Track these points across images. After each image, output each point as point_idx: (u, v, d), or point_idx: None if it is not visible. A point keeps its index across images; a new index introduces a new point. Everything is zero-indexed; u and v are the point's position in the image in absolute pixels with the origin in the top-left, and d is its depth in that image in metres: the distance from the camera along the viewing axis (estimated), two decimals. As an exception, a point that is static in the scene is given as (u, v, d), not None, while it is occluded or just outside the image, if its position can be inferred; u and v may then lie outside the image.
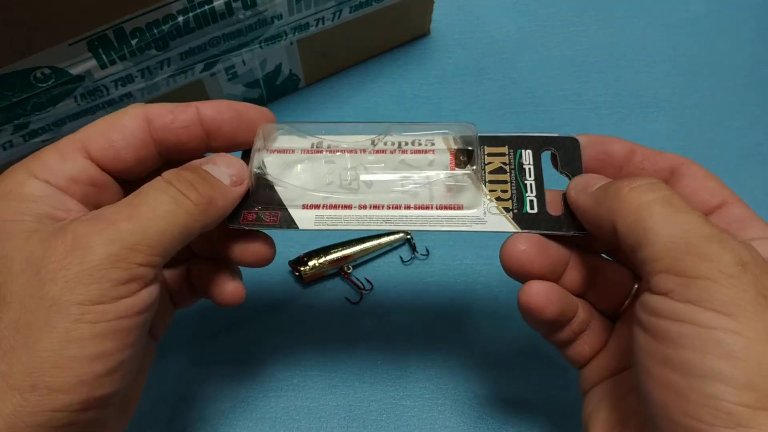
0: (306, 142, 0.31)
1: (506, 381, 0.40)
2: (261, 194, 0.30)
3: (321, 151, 0.31)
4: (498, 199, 0.30)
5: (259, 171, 0.30)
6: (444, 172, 0.30)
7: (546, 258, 0.29)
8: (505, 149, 0.31)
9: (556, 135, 0.31)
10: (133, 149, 0.28)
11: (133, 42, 0.34)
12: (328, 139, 0.31)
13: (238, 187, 0.28)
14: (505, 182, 0.30)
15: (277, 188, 0.30)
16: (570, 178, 0.30)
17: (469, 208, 0.30)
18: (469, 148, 0.30)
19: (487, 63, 0.48)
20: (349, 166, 0.30)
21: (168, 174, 0.26)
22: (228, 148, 0.30)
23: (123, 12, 0.32)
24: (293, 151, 0.31)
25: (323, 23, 0.41)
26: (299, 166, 0.30)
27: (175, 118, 0.28)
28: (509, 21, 0.49)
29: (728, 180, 0.29)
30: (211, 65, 0.40)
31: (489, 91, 0.48)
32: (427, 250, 0.43)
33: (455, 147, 0.31)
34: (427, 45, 0.49)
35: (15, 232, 0.24)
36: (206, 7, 0.35)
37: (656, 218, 0.23)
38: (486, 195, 0.30)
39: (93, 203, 0.27)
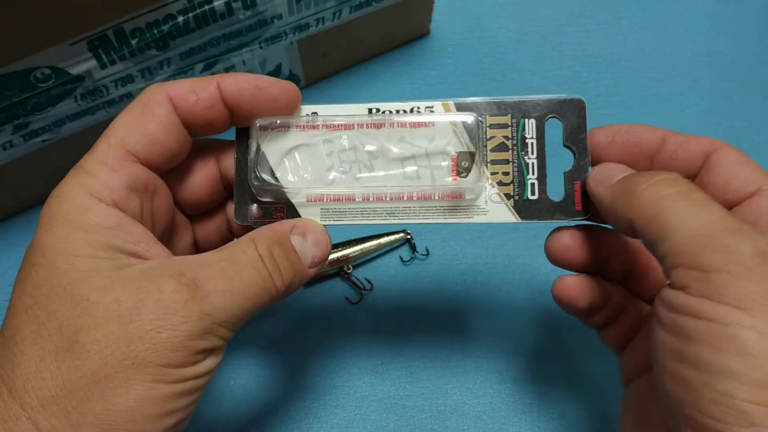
0: (300, 117, 0.30)
1: (506, 381, 0.40)
2: (266, 191, 0.30)
3: (317, 127, 0.30)
4: (500, 183, 0.30)
5: (264, 179, 0.29)
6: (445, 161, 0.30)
7: (588, 251, 0.29)
8: (507, 119, 0.30)
9: (563, 97, 0.30)
10: (172, 136, 0.27)
11: (133, 42, 0.34)
12: (323, 112, 0.30)
13: (314, 268, 0.29)
14: (507, 162, 0.30)
15: (282, 181, 0.30)
16: (574, 154, 0.29)
17: (471, 197, 0.29)
18: (470, 150, 0.29)
19: (487, 63, 0.48)
20: (347, 146, 0.30)
21: (262, 246, 0.26)
22: (247, 123, 0.29)
23: (123, 12, 0.32)
24: (288, 127, 0.30)
25: (323, 23, 0.41)
26: (297, 153, 0.30)
27: (199, 98, 0.27)
28: (509, 21, 0.49)
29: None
30: (211, 65, 0.40)
31: (489, 91, 0.48)
32: (427, 250, 0.43)
33: (457, 121, 0.30)
34: (427, 45, 0.49)
35: (92, 271, 0.24)
36: (206, 7, 0.35)
37: (674, 212, 0.23)
38: (488, 179, 0.30)
39: (148, 211, 0.27)
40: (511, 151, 0.30)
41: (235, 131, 0.30)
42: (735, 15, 0.50)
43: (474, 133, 0.29)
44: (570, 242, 0.29)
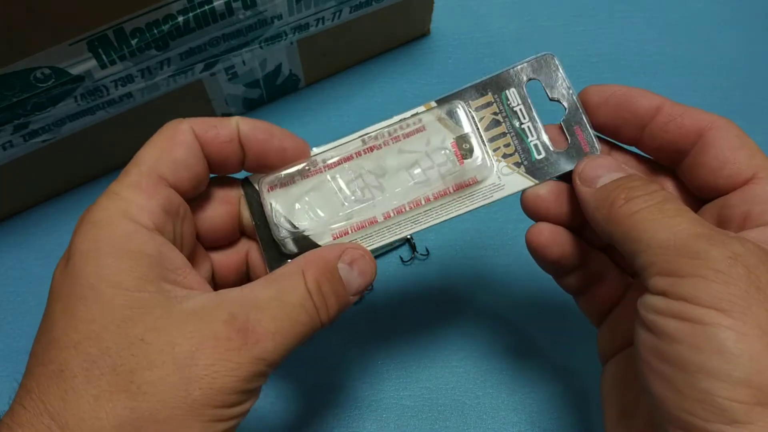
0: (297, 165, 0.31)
1: (506, 382, 0.40)
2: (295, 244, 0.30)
3: (320, 171, 0.30)
4: (504, 156, 0.30)
5: (288, 231, 0.30)
6: (447, 152, 0.30)
7: (562, 205, 0.29)
8: (490, 97, 0.30)
9: (532, 59, 0.30)
10: (198, 162, 0.28)
11: (133, 42, 0.34)
12: (317, 151, 0.31)
13: (357, 295, 0.29)
14: (504, 134, 0.30)
15: (306, 233, 0.30)
16: (565, 108, 0.29)
17: (483, 178, 0.30)
18: (465, 131, 0.30)
19: (487, 63, 0.48)
20: (353, 176, 0.30)
21: (311, 280, 0.26)
22: (255, 169, 0.30)
23: (123, 12, 0.32)
24: (292, 179, 0.30)
25: (323, 23, 0.41)
26: (309, 198, 0.30)
27: (219, 132, 0.28)
28: (509, 21, 0.49)
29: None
30: (211, 65, 0.40)
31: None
32: (427, 250, 0.43)
33: (443, 114, 0.30)
34: (427, 45, 0.49)
35: (145, 308, 0.24)
36: (206, 7, 0.35)
37: (647, 226, 0.24)
38: (492, 157, 0.30)
39: (179, 236, 0.27)
40: (504, 123, 0.30)
41: (245, 200, 0.31)
42: (735, 15, 0.50)
43: (461, 116, 0.30)
44: (544, 194, 0.29)
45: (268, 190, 0.30)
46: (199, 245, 0.31)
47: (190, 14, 0.35)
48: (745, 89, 0.48)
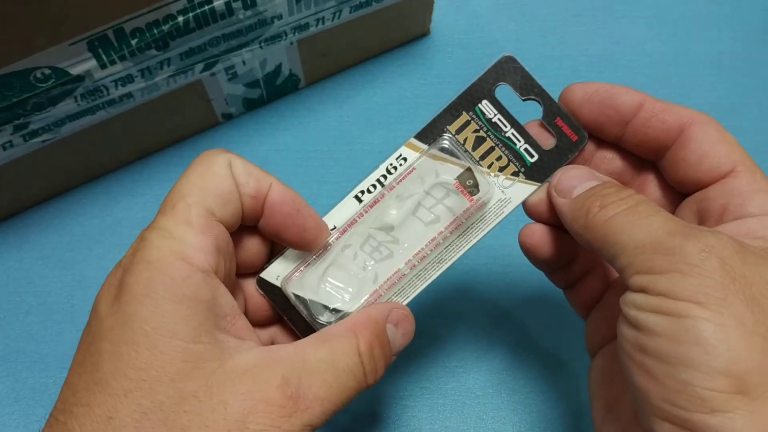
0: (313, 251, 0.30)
1: (506, 381, 0.40)
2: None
3: (329, 245, 0.30)
4: (500, 169, 0.30)
5: (326, 318, 0.30)
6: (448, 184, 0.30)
7: (553, 208, 0.30)
8: (465, 116, 0.30)
9: (492, 65, 0.30)
10: (237, 198, 0.27)
11: (133, 42, 0.34)
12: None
13: (395, 356, 0.29)
14: (492, 149, 0.30)
15: (339, 308, 0.30)
16: (541, 104, 0.30)
17: (488, 199, 0.30)
18: (465, 165, 0.29)
19: (486, 63, 0.48)
20: (363, 239, 0.30)
21: (364, 344, 0.26)
22: (267, 233, 0.29)
23: (123, 12, 0.32)
24: (307, 264, 0.30)
25: (323, 23, 0.41)
26: (330, 278, 0.30)
27: (248, 181, 0.27)
28: (509, 21, 0.49)
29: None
30: (211, 65, 0.40)
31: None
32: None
33: (435, 152, 0.30)
34: (427, 45, 0.49)
35: (198, 362, 0.23)
36: (206, 7, 0.35)
37: (623, 229, 0.24)
38: (490, 175, 0.30)
39: (227, 273, 0.27)
40: (488, 138, 0.30)
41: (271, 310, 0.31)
42: (735, 15, 0.50)
43: (455, 150, 0.30)
44: (536, 201, 0.30)
45: (295, 297, 0.30)
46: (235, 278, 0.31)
47: (190, 14, 0.35)
48: (745, 89, 0.48)
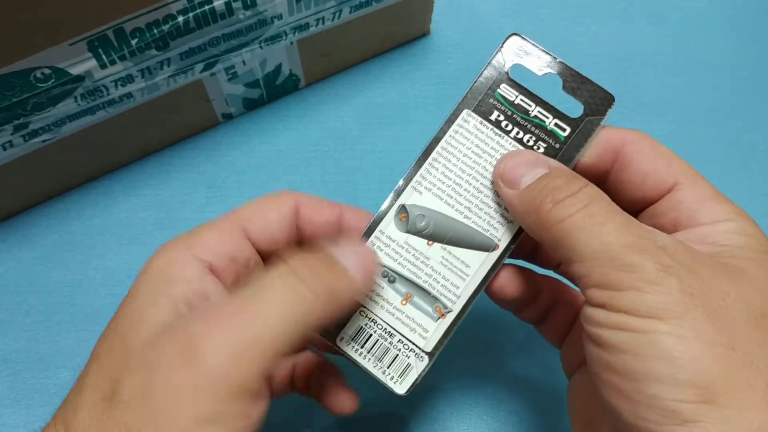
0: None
1: (506, 381, 0.40)
2: None
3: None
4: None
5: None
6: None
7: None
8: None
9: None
10: (285, 231, 0.28)
11: (133, 42, 0.34)
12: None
13: (367, 276, 0.26)
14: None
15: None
16: (559, 76, 0.29)
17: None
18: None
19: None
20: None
21: (293, 261, 0.24)
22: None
23: (123, 12, 0.32)
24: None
25: (323, 23, 0.41)
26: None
27: (322, 212, 0.29)
28: (509, 21, 0.49)
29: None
30: (211, 65, 0.40)
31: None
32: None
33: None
34: (427, 45, 0.49)
35: (146, 322, 0.24)
36: (206, 7, 0.35)
37: (578, 234, 0.24)
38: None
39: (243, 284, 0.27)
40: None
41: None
42: (736, 15, 0.50)
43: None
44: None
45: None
46: None
47: (190, 14, 0.35)
48: (745, 89, 0.48)
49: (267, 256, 0.29)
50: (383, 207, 0.29)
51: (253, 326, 0.22)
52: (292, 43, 0.42)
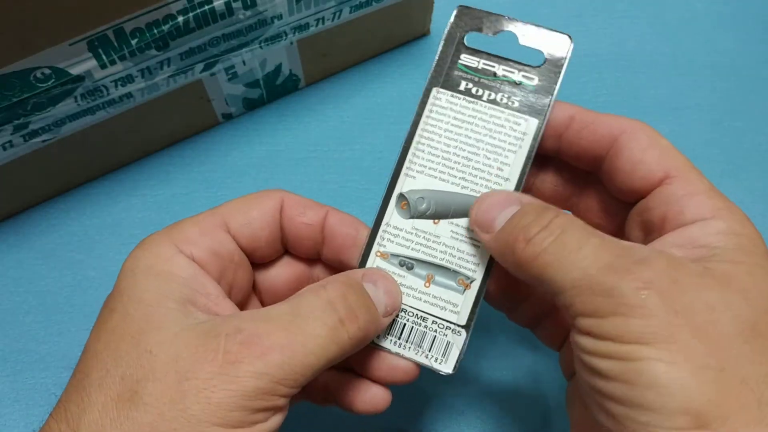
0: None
1: (506, 381, 0.40)
2: None
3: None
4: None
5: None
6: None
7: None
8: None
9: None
10: (267, 230, 0.28)
11: (133, 42, 0.34)
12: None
13: (388, 318, 0.28)
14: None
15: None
16: (512, 31, 0.30)
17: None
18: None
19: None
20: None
21: (334, 291, 0.25)
22: (332, 262, 0.30)
23: (123, 12, 0.32)
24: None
25: (323, 23, 0.41)
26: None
27: (304, 212, 0.29)
28: (509, 21, 0.49)
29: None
30: (211, 65, 0.40)
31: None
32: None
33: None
34: (427, 45, 0.49)
35: (161, 323, 0.24)
36: (206, 7, 0.35)
37: (555, 268, 0.24)
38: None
39: (228, 280, 0.28)
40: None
41: None
42: (735, 15, 0.50)
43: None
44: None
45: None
46: (254, 296, 0.31)
47: (190, 14, 0.35)
48: (745, 89, 0.48)
49: (250, 253, 0.29)
50: (379, 210, 0.30)
51: (291, 360, 0.23)
52: (292, 43, 0.42)
